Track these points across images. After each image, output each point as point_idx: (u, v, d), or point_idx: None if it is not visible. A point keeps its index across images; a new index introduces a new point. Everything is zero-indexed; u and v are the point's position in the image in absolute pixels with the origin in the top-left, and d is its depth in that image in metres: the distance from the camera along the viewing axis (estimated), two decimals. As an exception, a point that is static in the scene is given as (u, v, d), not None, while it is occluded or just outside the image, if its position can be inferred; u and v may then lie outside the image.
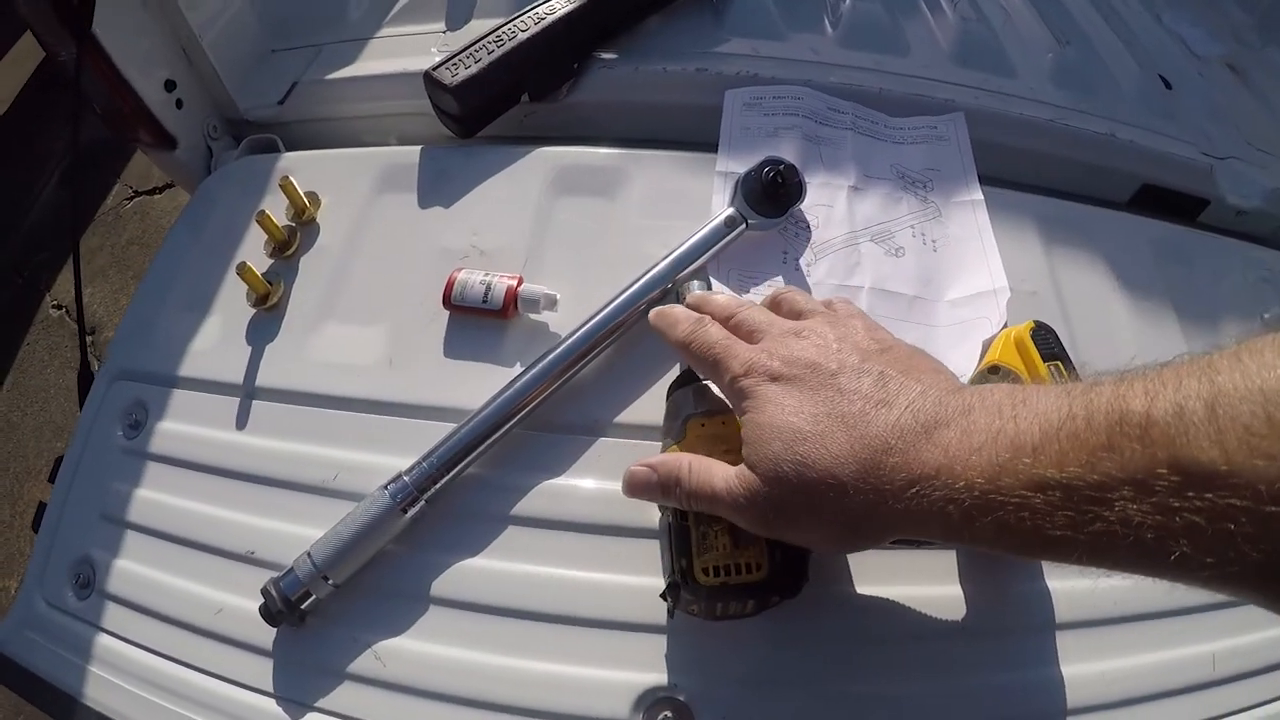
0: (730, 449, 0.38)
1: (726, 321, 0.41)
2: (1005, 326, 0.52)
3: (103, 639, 0.51)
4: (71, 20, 0.61)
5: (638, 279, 0.51)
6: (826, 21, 0.73)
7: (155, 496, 0.54)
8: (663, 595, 0.39)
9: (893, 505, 0.31)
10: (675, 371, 0.49)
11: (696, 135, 0.63)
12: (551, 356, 0.48)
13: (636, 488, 0.39)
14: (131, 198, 2.05)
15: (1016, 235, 0.59)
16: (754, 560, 0.37)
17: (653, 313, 0.44)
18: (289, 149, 0.73)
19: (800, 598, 0.39)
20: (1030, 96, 0.69)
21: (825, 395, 0.34)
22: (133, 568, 0.52)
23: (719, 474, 0.36)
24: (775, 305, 0.43)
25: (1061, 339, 0.47)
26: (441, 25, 0.75)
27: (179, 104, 0.72)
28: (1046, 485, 0.27)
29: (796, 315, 0.41)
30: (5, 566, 1.67)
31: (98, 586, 0.52)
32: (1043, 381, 0.44)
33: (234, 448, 0.53)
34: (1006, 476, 0.29)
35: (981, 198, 0.60)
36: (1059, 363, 0.45)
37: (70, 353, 1.85)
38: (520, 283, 0.52)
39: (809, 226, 0.58)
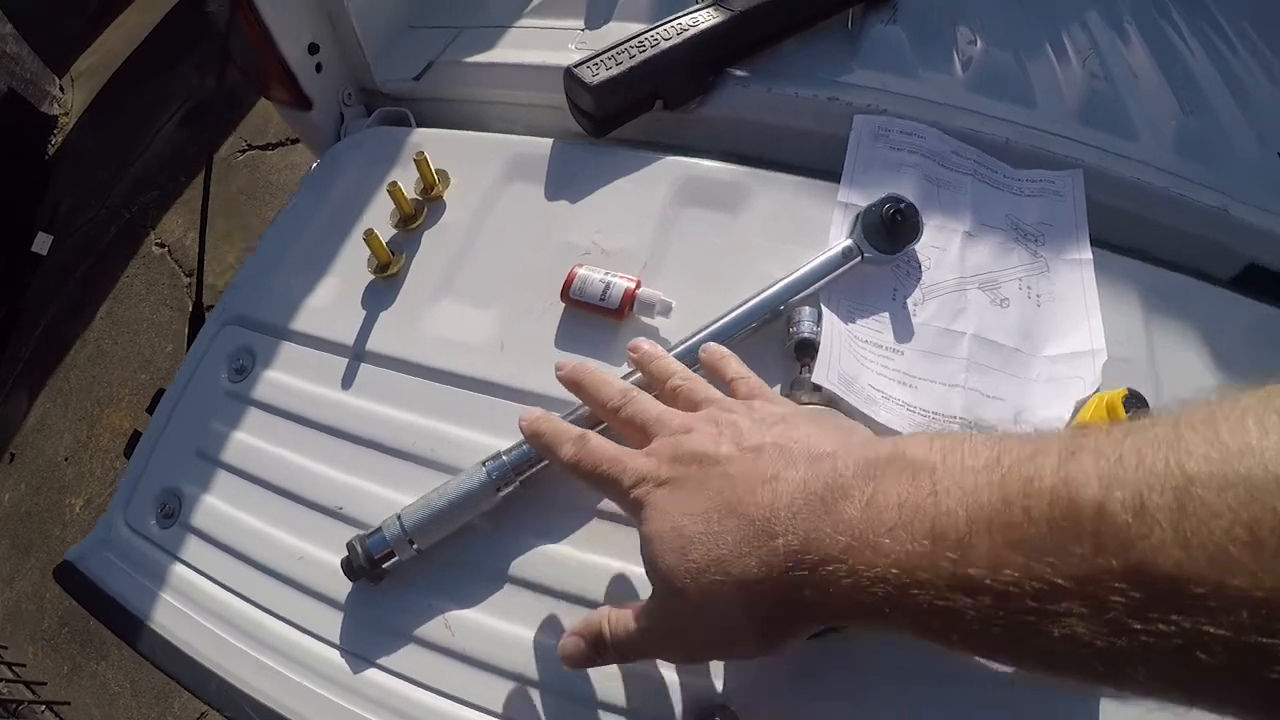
0: None
1: (615, 414, 0.39)
2: (1099, 390, 0.50)
3: (179, 569, 0.52)
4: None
5: (751, 298, 0.50)
6: (957, 63, 0.72)
7: (252, 441, 0.55)
8: None
9: (800, 594, 0.27)
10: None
11: (820, 162, 0.63)
12: (660, 362, 0.47)
13: (573, 660, 0.36)
14: (245, 150, 2.15)
15: (1118, 299, 0.57)
16: None
17: (526, 427, 0.40)
18: (417, 125, 0.74)
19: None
20: (1149, 162, 0.67)
21: (713, 486, 0.31)
22: (220, 506, 0.53)
23: (636, 616, 0.33)
24: (671, 397, 0.40)
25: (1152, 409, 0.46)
26: (580, 22, 0.75)
27: (319, 68, 0.74)
28: (976, 588, 0.22)
29: (694, 406, 0.38)
30: (73, 485, 1.75)
31: (182, 518, 0.53)
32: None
33: (336, 405, 0.54)
34: (924, 570, 0.23)
35: (1090, 257, 0.59)
36: None
37: (167, 290, 1.93)
38: (638, 285, 0.51)
39: (920, 267, 0.57)
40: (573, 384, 0.42)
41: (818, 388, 0.45)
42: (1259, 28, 0.89)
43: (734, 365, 0.42)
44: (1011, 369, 0.53)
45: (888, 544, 0.24)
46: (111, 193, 2.18)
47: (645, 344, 0.44)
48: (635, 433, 0.38)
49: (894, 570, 0.24)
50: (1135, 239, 0.65)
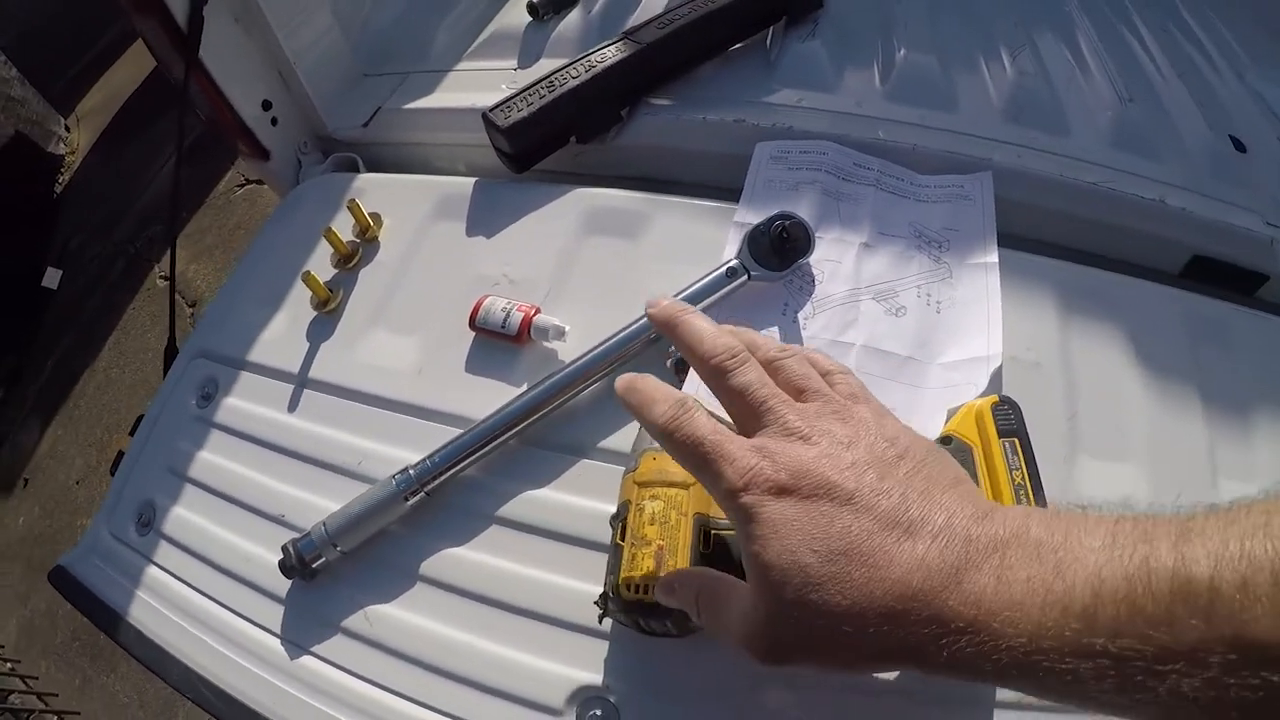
0: (674, 483, 0.46)
1: (720, 378, 0.38)
2: (985, 395, 0.53)
3: (153, 570, 0.64)
4: (181, 45, 0.76)
5: (635, 320, 0.59)
6: (877, 73, 0.78)
7: (213, 459, 0.68)
8: (596, 602, 0.47)
9: (916, 652, 0.31)
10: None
11: (732, 182, 0.70)
12: (549, 382, 0.58)
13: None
14: (242, 185, 2.39)
15: (1032, 302, 0.61)
16: None
17: (621, 385, 0.40)
18: (371, 168, 0.87)
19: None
20: (1080, 157, 0.70)
21: (841, 525, 0.33)
22: (186, 515, 0.66)
23: (727, 610, 0.37)
24: (772, 370, 0.40)
25: (1066, 413, 0.51)
26: (514, 62, 0.87)
27: (274, 121, 0.88)
28: (1095, 654, 0.27)
29: (799, 393, 0.39)
30: (84, 507, 1.96)
31: (156, 527, 0.66)
32: (994, 456, 0.48)
33: (283, 427, 0.66)
34: (1049, 639, 0.28)
35: (996, 261, 0.62)
36: (1015, 439, 0.49)
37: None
38: (536, 313, 0.62)
39: (814, 281, 0.64)
40: (666, 324, 0.41)
41: None
42: (1219, 10, 0.93)
43: (825, 360, 0.43)
44: (905, 378, 0.58)
45: (1014, 616, 0.29)
46: (117, 228, 2.42)
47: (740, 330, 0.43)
48: (739, 409, 0.38)
49: (1019, 640, 0.28)
50: (1069, 238, 0.69)
